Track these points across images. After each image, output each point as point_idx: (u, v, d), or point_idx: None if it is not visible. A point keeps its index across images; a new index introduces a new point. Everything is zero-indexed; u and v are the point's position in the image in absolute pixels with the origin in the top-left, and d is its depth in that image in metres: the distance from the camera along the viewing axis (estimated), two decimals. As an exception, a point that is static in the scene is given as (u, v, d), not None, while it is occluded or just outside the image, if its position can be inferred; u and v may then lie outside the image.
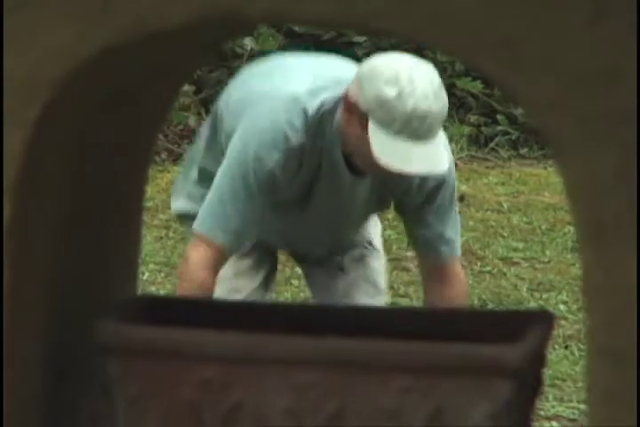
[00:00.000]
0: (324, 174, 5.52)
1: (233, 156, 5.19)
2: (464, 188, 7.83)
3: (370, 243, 6.10)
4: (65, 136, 2.32)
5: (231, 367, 2.24)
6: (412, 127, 5.40)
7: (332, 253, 5.82)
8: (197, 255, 5.23)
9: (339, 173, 5.57)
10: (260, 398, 2.22)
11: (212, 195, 5.29)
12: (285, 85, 5.75)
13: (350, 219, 5.78)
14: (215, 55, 8.59)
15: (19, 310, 2.23)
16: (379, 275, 5.70)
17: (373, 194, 5.73)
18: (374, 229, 6.23)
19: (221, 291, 5.33)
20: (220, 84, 11.31)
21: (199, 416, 2.22)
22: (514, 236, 9.94)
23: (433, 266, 5.97)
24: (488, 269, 8.53)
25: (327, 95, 5.69)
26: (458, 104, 16.31)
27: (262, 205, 5.37)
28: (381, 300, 5.77)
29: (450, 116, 11.68)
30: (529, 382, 2.29)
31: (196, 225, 5.40)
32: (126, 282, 2.76)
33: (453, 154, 9.53)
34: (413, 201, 5.86)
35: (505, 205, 12.68)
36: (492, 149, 15.74)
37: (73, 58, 2.20)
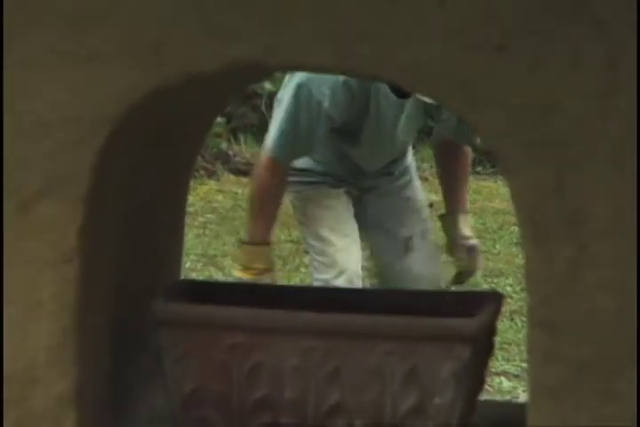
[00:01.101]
0: (373, 109, 5.08)
1: (290, 93, 4.87)
2: (433, 197, 7.73)
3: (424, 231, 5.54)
4: (124, 160, 2.29)
5: (253, 335, 2.23)
6: None
7: (383, 172, 5.39)
8: (264, 165, 5.04)
9: (385, 104, 5.10)
10: (275, 359, 2.21)
11: (273, 126, 5.05)
12: None
13: (393, 146, 5.36)
14: (242, 95, 8.53)
15: (90, 292, 2.21)
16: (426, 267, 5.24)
17: (411, 120, 5.26)
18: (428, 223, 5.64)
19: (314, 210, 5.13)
20: (245, 117, 11.31)
21: (229, 373, 2.22)
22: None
23: (448, 147, 5.68)
24: (451, 259, 8.58)
25: None
26: (429, 132, 15.82)
27: (315, 136, 5.02)
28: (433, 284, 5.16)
29: (422, 140, 11.19)
30: (483, 347, 2.27)
31: (271, 143, 5.06)
32: (173, 269, 2.77)
33: (428, 170, 9.28)
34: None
35: (464, 211, 12.10)
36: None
37: (126, 99, 2.17)
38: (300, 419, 2.18)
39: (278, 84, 11.32)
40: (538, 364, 2.09)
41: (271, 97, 10.05)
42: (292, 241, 8.85)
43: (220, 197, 9.61)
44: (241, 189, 10.22)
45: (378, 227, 5.27)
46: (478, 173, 13.68)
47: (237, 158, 10.41)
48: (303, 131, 4.92)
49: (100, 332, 2.26)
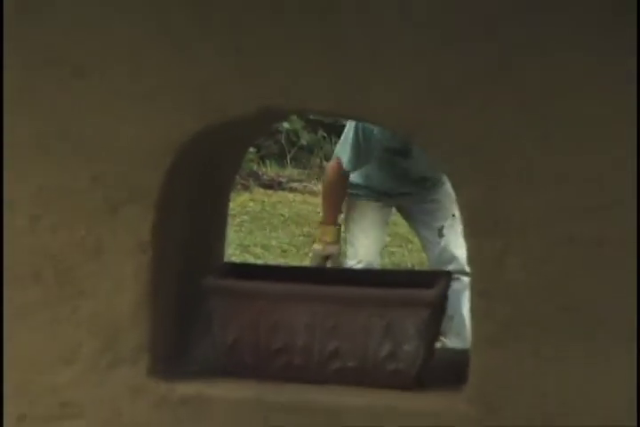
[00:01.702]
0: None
1: (352, 126, 4.85)
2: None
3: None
4: (184, 178, 2.28)
5: (275, 302, 2.25)
6: None
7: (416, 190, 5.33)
8: (331, 169, 5.20)
9: None
10: (290, 319, 2.23)
11: (344, 149, 5.02)
12: None
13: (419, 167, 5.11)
14: (267, 132, 8.43)
15: (159, 272, 2.20)
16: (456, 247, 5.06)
17: None
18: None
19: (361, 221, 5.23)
20: (270, 148, 11.27)
21: (258, 328, 2.23)
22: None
23: None
24: (416, 247, 8.39)
25: None
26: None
27: (371, 153, 5.00)
28: (451, 267, 4.94)
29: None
30: (438, 310, 2.28)
31: (337, 152, 5.22)
32: (219, 255, 2.78)
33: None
34: None
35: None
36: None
37: (180, 135, 2.15)
38: (307, 361, 2.20)
39: (294, 123, 11.04)
40: (477, 322, 2.11)
41: (288, 133, 9.97)
42: (303, 235, 8.81)
43: (251, 204, 9.64)
44: (266, 198, 10.23)
45: (419, 222, 5.36)
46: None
47: (264, 176, 10.46)
48: (363, 151, 4.91)
49: (166, 300, 2.27)
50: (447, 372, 2.24)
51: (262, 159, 10.79)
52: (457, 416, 2.07)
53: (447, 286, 2.37)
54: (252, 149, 9.48)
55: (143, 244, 2.17)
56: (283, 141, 11.48)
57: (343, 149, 5.02)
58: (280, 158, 11.48)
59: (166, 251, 2.24)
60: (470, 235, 2.12)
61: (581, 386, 2.06)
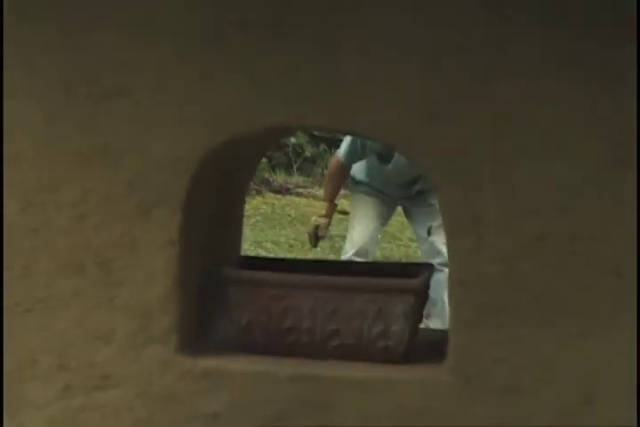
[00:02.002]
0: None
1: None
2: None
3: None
4: (207, 183, 2.27)
5: (284, 290, 2.24)
6: None
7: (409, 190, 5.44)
8: (334, 161, 5.42)
9: None
10: (297, 303, 2.22)
11: (343, 146, 5.23)
12: None
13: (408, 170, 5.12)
14: (277, 145, 8.42)
15: (185, 264, 2.19)
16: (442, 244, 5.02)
17: None
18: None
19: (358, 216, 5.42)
20: (279, 158, 11.26)
21: (269, 312, 2.23)
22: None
23: None
24: (402, 243, 8.33)
25: None
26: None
27: (364, 151, 5.16)
28: (437, 260, 5.00)
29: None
30: (422, 297, 2.28)
31: (338, 153, 5.33)
32: (236, 249, 2.77)
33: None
34: None
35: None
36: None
37: (202, 148, 2.15)
38: (311, 340, 2.21)
39: (299, 138, 11.03)
40: (455, 307, 2.12)
41: (295, 147, 9.97)
42: (308, 233, 8.93)
43: (264, 206, 9.62)
44: (276, 201, 10.22)
45: (416, 221, 5.45)
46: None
47: (274, 183, 10.46)
48: (357, 149, 5.06)
49: (191, 288, 2.27)
50: (430, 349, 2.24)
51: (273, 168, 10.83)
52: (439, 385, 2.09)
53: (429, 277, 2.37)
54: (263, 160, 9.51)
55: (172, 240, 2.17)
56: (290, 153, 11.55)
57: (344, 145, 5.16)
58: (287, 168, 11.58)
59: (191, 246, 2.24)
60: (450, 232, 2.12)
61: (545, 362, 2.07)
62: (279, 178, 11.15)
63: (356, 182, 5.37)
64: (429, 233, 5.29)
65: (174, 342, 2.17)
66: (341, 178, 5.36)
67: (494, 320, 2.07)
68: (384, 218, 5.47)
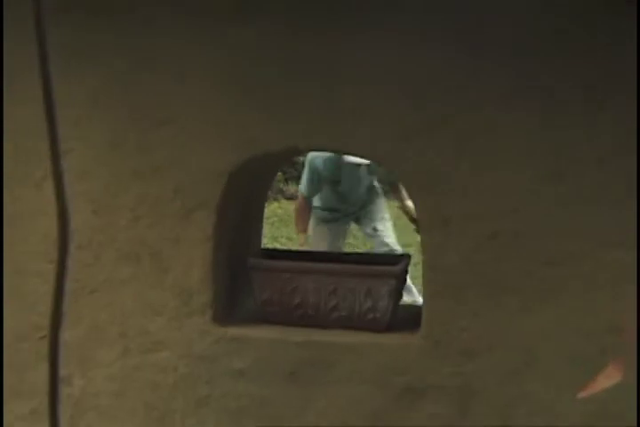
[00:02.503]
0: (345, 170, 4.93)
1: (307, 165, 4.91)
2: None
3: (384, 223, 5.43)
4: (235, 192, 2.23)
5: (295, 274, 2.24)
6: None
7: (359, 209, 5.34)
8: (298, 201, 5.15)
9: (349, 168, 4.90)
10: (305, 284, 2.22)
11: (302, 184, 5.08)
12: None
13: (359, 187, 5.12)
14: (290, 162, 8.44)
15: (218, 255, 2.21)
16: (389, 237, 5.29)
17: (364, 177, 5.11)
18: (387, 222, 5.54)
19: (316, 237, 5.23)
20: (291, 173, 11.23)
21: (282, 290, 2.21)
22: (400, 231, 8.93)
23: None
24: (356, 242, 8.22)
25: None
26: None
27: (320, 183, 4.99)
28: (385, 249, 5.17)
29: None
30: (401, 280, 2.30)
31: (299, 187, 5.26)
32: (257, 244, 2.72)
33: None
34: None
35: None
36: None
37: (233, 163, 2.14)
38: (316, 313, 2.23)
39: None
40: (426, 286, 2.13)
41: (303, 163, 10.28)
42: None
43: (279, 210, 9.61)
44: (289, 206, 10.25)
45: (364, 224, 5.29)
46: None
47: (287, 192, 10.48)
48: (315, 182, 4.95)
49: (223, 273, 2.26)
50: (407, 320, 2.25)
51: (286, 180, 10.84)
52: (413, 349, 2.12)
53: (407, 264, 2.41)
54: (279, 173, 9.56)
55: (208, 237, 2.18)
56: (300, 168, 11.63)
57: (303, 183, 5.10)
58: (298, 179, 11.66)
59: (223, 241, 2.25)
60: (424, 229, 2.14)
61: (497, 331, 2.08)
62: (291, 188, 11.21)
63: (315, 208, 5.20)
64: (375, 230, 5.26)
65: (210, 314, 2.19)
66: (307, 210, 5.19)
67: (457, 298, 2.10)
68: (342, 231, 5.35)
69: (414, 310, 2.24)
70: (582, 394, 1.12)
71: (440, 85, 2.08)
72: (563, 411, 2.05)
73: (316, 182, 5.02)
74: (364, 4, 2.11)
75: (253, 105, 2.16)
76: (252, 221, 2.65)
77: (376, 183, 5.38)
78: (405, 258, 2.47)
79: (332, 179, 5.01)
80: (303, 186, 5.12)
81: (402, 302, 2.44)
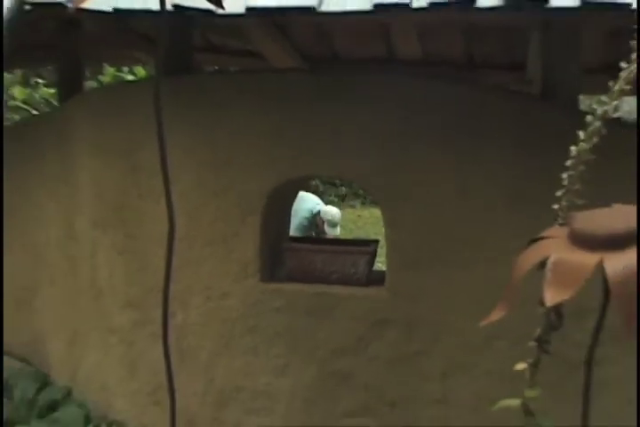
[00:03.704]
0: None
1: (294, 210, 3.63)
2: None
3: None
4: (273, 202, 2.13)
5: (309, 252, 2.20)
6: None
7: None
8: None
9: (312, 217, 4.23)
10: (315, 258, 2.16)
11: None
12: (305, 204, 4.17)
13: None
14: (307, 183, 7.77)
15: (265, 241, 2.15)
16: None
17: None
18: None
19: None
20: (308, 188, 9.97)
21: (302, 262, 2.16)
22: (371, 227, 7.34)
23: None
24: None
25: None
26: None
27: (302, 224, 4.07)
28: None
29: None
30: (373, 255, 2.25)
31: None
32: (286, 234, 2.58)
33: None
34: None
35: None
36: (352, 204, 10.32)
37: (271, 185, 2.07)
38: (322, 275, 2.16)
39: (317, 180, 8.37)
40: (389, 261, 2.04)
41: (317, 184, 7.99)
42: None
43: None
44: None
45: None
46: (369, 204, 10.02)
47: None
48: (300, 223, 4.08)
49: (267, 252, 2.15)
50: (378, 279, 2.13)
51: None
52: (382, 296, 2.06)
53: (376, 246, 2.34)
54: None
55: (256, 231, 2.11)
56: (318, 183, 10.06)
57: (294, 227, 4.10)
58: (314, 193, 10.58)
59: (267, 233, 2.17)
60: (388, 226, 2.04)
61: (436, 285, 1.97)
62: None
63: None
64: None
65: (258, 276, 2.13)
66: None
67: (408, 266, 2.01)
68: None
69: (381, 274, 2.16)
70: (483, 323, 1.03)
71: (402, 140, 1.98)
72: (471, 330, 1.87)
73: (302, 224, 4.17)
74: (362, 89, 1.98)
75: (283, 150, 2.06)
76: (282, 221, 2.53)
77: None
78: (375, 242, 2.40)
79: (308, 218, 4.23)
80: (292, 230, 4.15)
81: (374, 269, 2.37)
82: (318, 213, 4.19)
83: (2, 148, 2.00)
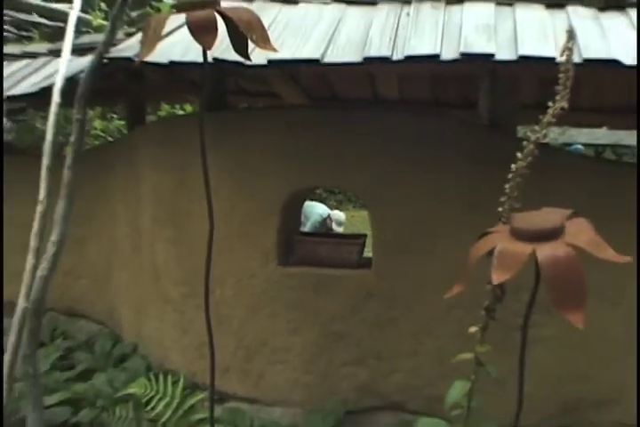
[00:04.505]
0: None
1: (304, 213, 3.74)
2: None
3: None
4: (288, 204, 2.08)
5: (315, 243, 2.13)
6: None
7: None
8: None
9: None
10: (319, 248, 2.10)
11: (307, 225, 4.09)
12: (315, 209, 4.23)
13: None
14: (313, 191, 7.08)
15: (281, 235, 2.07)
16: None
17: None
18: None
19: None
20: (313, 196, 8.98)
21: (309, 251, 2.12)
22: (361, 225, 7.15)
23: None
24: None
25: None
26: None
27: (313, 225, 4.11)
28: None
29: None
30: (363, 245, 2.12)
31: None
32: (297, 229, 2.54)
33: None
34: None
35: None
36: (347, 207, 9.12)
37: (288, 192, 2.01)
38: (325, 260, 2.07)
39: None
40: (375, 249, 1.99)
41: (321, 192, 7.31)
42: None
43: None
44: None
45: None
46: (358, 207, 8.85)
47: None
48: (313, 225, 4.12)
49: (283, 242, 2.10)
50: (367, 263, 2.06)
51: (311, 199, 9.84)
52: (369, 276, 2.00)
53: (365, 239, 2.27)
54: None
55: (275, 228, 2.05)
56: (322, 193, 9.83)
57: (308, 226, 4.10)
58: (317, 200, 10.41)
59: (283, 229, 2.10)
60: (374, 225, 2.00)
61: (408, 268, 1.93)
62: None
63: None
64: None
65: (276, 261, 2.07)
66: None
67: (388, 255, 1.96)
68: None
69: (369, 259, 2.08)
70: (446, 296, 0.90)
71: (384, 160, 1.91)
72: (436, 302, 1.86)
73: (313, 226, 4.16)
74: (354, 121, 1.91)
75: (295, 168, 2.01)
76: (295, 220, 2.45)
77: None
78: (364, 236, 2.32)
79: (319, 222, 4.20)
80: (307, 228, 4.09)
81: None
82: (328, 216, 4.25)
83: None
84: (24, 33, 3.70)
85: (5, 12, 3.19)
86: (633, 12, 1.51)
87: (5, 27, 3.32)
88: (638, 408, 0.89)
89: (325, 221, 4.24)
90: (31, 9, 3.49)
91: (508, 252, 0.65)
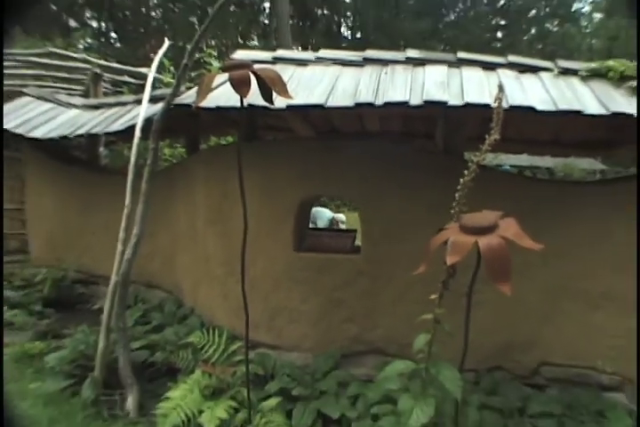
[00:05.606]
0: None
1: (312, 215, 3.57)
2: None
3: None
4: (300, 210, 2.02)
5: (320, 236, 2.10)
6: None
7: None
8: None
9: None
10: (323, 239, 2.07)
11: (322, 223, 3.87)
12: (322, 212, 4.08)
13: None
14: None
15: (296, 231, 2.00)
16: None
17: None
18: None
19: None
20: (319, 202, 7.98)
21: (315, 241, 2.05)
22: (353, 223, 4.77)
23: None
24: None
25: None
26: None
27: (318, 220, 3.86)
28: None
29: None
30: (354, 237, 2.11)
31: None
32: (307, 226, 2.38)
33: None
34: None
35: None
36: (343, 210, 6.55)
37: (299, 200, 1.94)
38: (328, 248, 2.04)
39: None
40: (363, 240, 1.94)
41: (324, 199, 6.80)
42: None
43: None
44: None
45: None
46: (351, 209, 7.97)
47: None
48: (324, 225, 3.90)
49: (297, 235, 2.02)
50: (357, 250, 2.03)
51: (317, 204, 9.62)
52: (359, 260, 1.95)
53: (356, 233, 2.25)
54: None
55: (292, 225, 1.98)
56: (325, 200, 9.44)
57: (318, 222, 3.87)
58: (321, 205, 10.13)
59: (296, 226, 2.03)
60: (364, 225, 1.95)
61: (388, 253, 1.86)
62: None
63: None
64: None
65: (292, 248, 2.00)
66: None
67: (373, 245, 1.92)
68: None
69: (359, 247, 2.00)
70: (414, 273, 0.88)
71: (371, 177, 1.85)
72: (408, 277, 1.65)
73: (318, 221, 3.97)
74: (350, 148, 1.88)
75: (306, 182, 1.96)
76: (305, 219, 2.31)
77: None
78: (355, 231, 2.31)
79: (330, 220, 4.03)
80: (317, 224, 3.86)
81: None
82: (333, 218, 4.13)
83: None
84: (118, 89, 4.07)
85: (106, 74, 3.59)
86: (544, 74, 1.59)
87: (104, 84, 3.65)
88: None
89: (332, 222, 4.17)
90: (123, 72, 3.97)
91: (458, 242, 0.72)
